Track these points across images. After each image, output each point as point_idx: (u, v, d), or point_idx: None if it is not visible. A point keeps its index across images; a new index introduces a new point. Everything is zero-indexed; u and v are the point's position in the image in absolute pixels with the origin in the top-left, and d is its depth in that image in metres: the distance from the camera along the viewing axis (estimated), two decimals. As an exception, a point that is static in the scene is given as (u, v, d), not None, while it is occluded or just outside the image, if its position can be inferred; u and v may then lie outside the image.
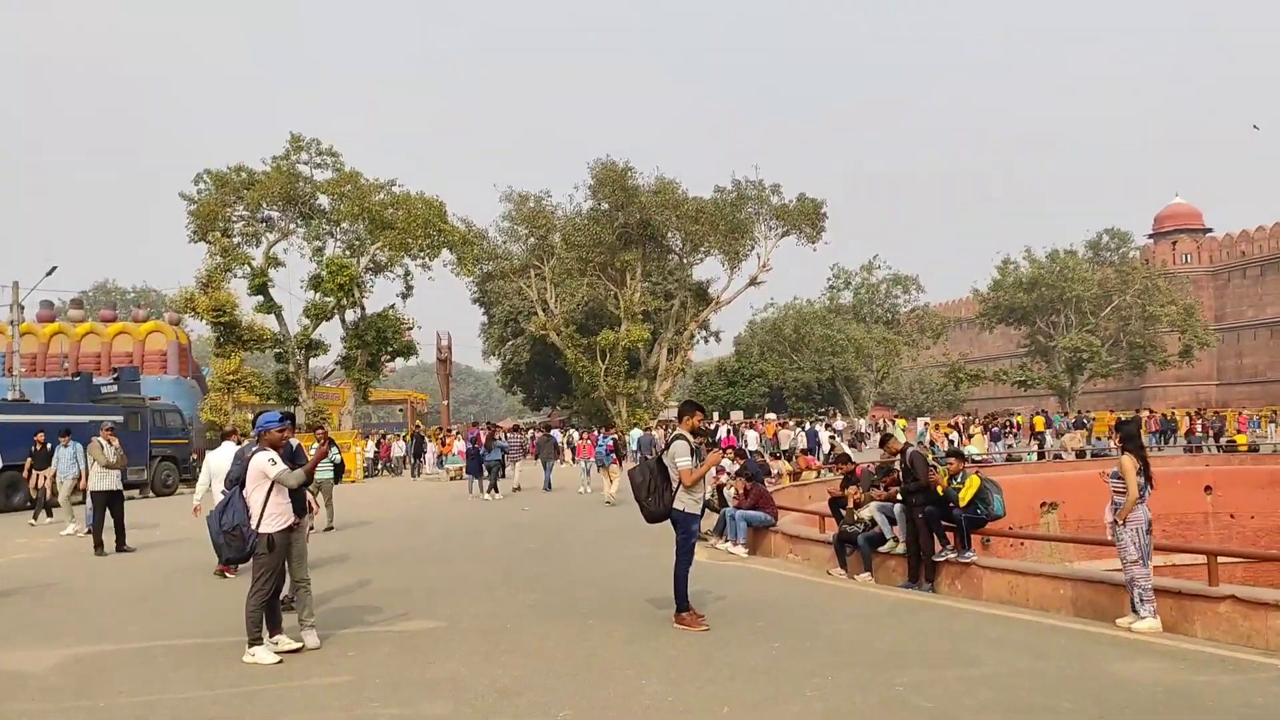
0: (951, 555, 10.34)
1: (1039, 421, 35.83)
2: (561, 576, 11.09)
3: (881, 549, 11.10)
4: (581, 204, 49.39)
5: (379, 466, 36.44)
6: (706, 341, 56.18)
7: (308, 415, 36.28)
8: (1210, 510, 30.67)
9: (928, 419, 43.83)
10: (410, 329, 40.82)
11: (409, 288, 40.14)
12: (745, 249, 46.57)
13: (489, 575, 11.33)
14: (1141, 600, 8.02)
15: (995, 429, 33.11)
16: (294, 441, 8.71)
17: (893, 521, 11.05)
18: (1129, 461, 8.23)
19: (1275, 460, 31.46)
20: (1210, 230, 73.99)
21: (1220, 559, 8.74)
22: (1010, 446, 31.85)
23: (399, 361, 45.70)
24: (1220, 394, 69.62)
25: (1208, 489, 30.60)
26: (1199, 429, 35.23)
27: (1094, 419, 39.27)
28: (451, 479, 30.48)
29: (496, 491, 23.48)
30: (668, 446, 8.29)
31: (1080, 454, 30.55)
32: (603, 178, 46.40)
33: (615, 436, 23.99)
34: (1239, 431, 34.26)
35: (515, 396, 75.59)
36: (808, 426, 34.81)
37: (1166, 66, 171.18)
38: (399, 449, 36.96)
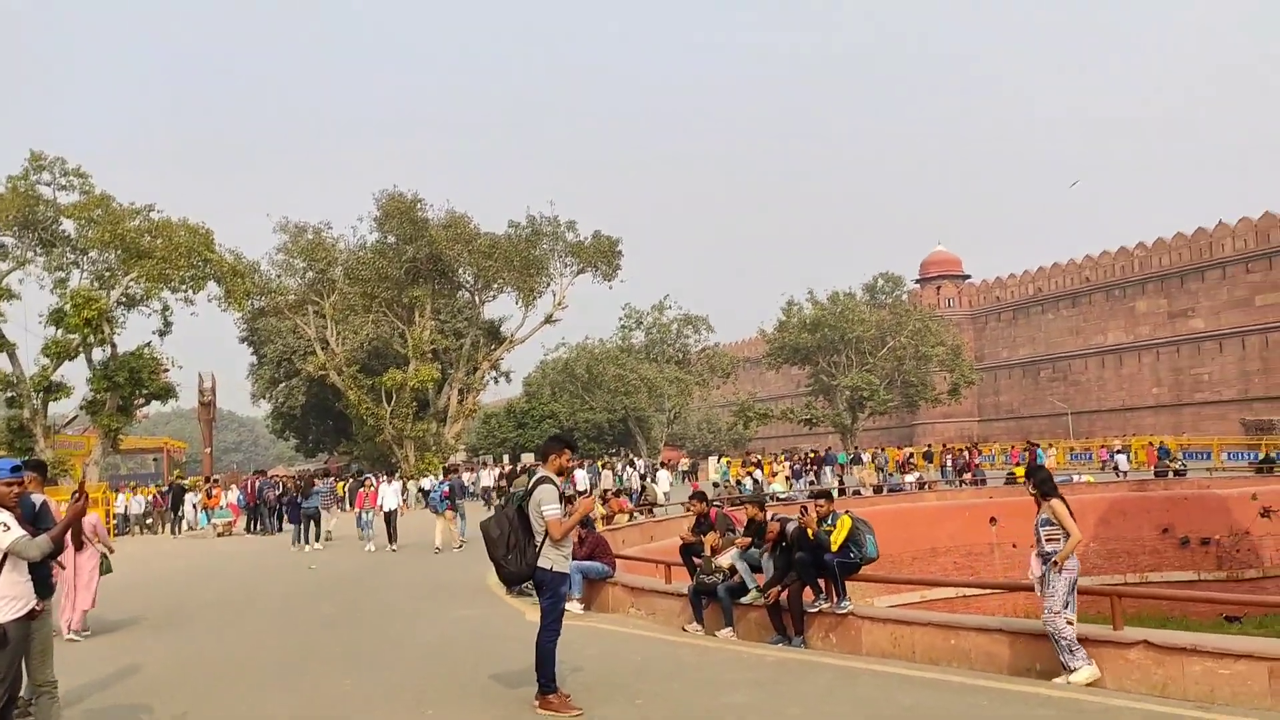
0: (825, 605, 9.28)
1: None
2: (379, 649, 9.21)
3: (743, 600, 9.87)
4: (366, 236, 46.72)
5: (131, 524, 32.18)
6: (497, 382, 54.25)
7: (50, 467, 31.71)
8: (995, 541, 31.70)
9: (728, 457, 43.66)
10: (168, 369, 36.73)
11: (168, 324, 36.12)
12: (540, 286, 45.19)
13: (286, 651, 9.31)
14: (1071, 651, 7.21)
15: (797, 466, 33.22)
16: (37, 498, 6.47)
17: (755, 569, 9.86)
18: (1060, 506, 7.60)
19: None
20: (969, 276, 79.18)
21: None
22: (812, 483, 31.94)
23: (155, 406, 41.11)
24: (981, 429, 74.05)
25: (993, 520, 31.63)
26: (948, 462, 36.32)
27: (884, 454, 40.19)
28: (220, 535, 27.24)
29: (318, 542, 22.20)
30: (530, 492, 6.75)
31: (878, 489, 30.95)
32: (390, 209, 43.91)
33: (450, 483, 21.90)
34: (1016, 464, 35.82)
35: (287, 442, 70.74)
36: (586, 466, 33.79)
37: (934, 123, 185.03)
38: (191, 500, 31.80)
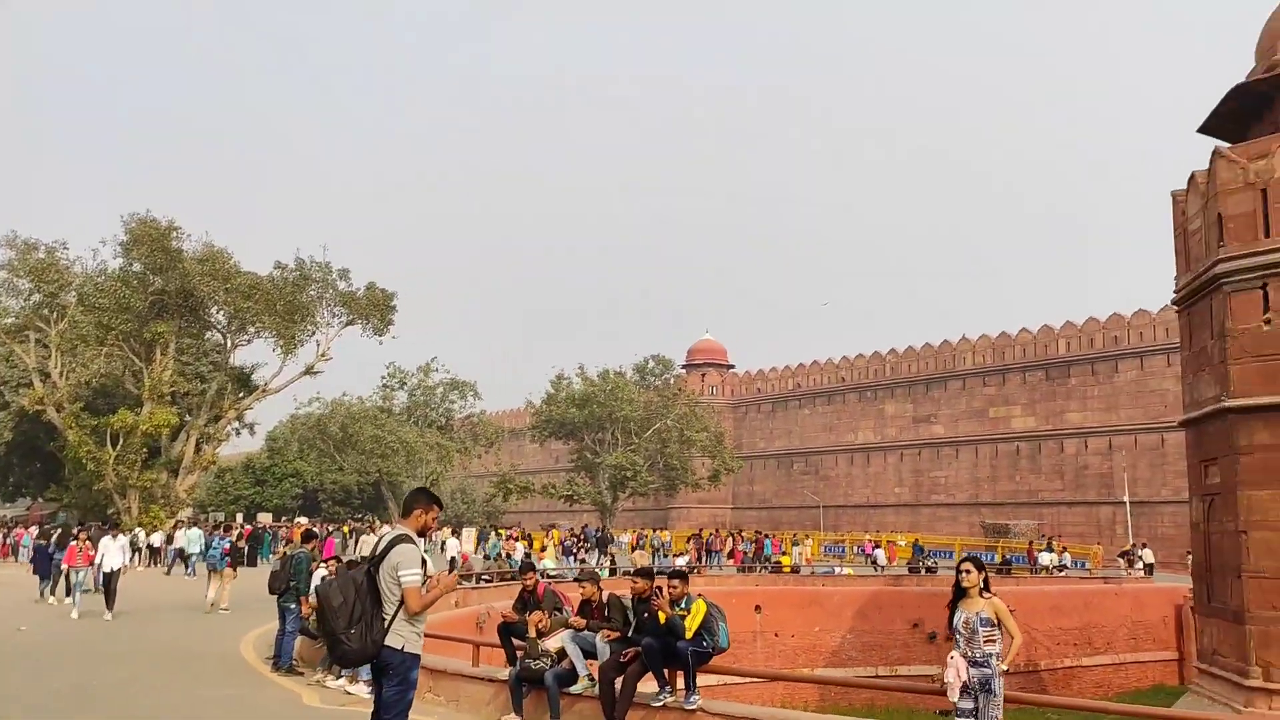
0: (668, 699, 8.16)
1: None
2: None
3: (572, 689, 8.56)
4: (109, 261, 42.14)
5: None
6: (239, 433, 50.02)
7: None
8: (759, 629, 31.67)
9: (503, 529, 41.82)
10: None
11: None
12: (304, 334, 42.08)
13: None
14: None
15: (568, 542, 32.03)
16: None
17: (588, 654, 8.60)
18: (1002, 604, 6.91)
19: (814, 581, 33.41)
20: (733, 366, 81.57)
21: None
22: (582, 561, 30.79)
23: None
24: (734, 517, 75.57)
25: (758, 608, 31.62)
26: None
27: (658, 536, 39.81)
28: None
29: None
30: (385, 553, 5.43)
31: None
32: (139, 235, 39.72)
33: (232, 539, 19.36)
34: (783, 553, 36.24)
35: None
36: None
37: (706, 214, 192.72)
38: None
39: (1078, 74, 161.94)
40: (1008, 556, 36.76)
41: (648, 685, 8.49)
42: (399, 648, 5.36)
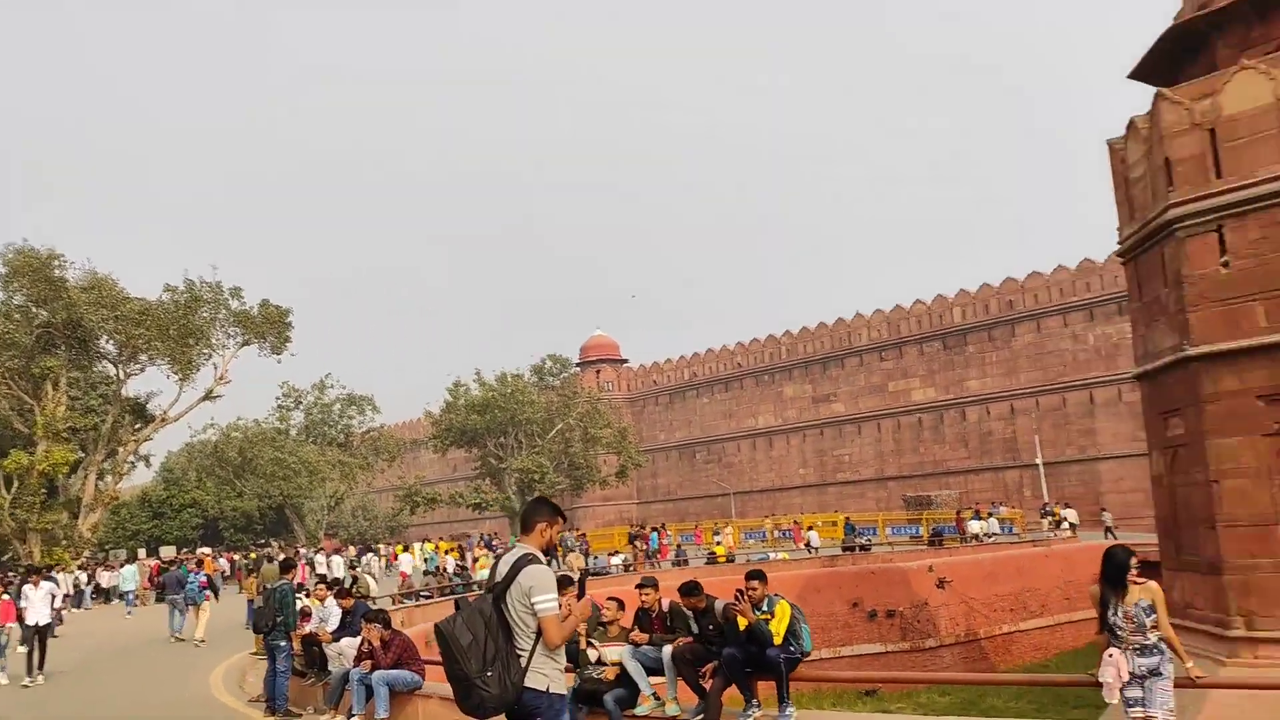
0: (757, 715, 7.05)
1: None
2: None
3: (637, 711, 7.38)
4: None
5: None
6: (135, 466, 46.95)
7: None
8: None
9: (432, 542, 39.74)
10: None
11: None
12: (200, 358, 39.64)
13: None
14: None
15: (500, 551, 30.47)
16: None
17: (650, 670, 7.41)
18: (1158, 588, 6.66)
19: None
20: (627, 361, 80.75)
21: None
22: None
23: None
24: (640, 511, 74.77)
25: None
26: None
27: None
28: None
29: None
30: (511, 577, 4.53)
31: (584, 573, 28.91)
32: (18, 266, 37.31)
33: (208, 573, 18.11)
34: (718, 543, 35.45)
35: None
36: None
37: (596, 210, 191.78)
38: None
39: (971, 39, 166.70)
40: (937, 527, 36.72)
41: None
42: (544, 689, 4.53)
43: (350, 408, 59.75)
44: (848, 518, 39.12)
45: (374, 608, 11.11)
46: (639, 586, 8.52)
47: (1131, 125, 18.61)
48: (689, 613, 7.97)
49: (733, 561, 32.02)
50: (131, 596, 28.84)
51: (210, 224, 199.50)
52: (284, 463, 51.86)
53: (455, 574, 25.44)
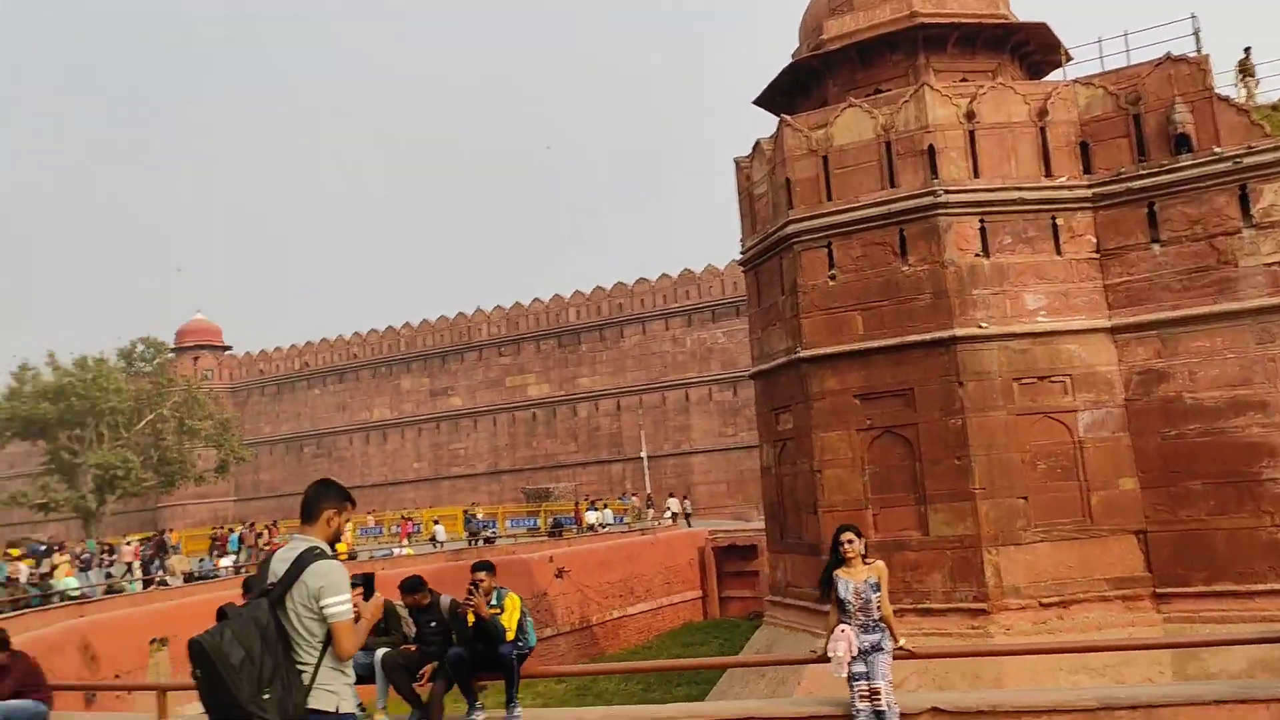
0: (481, 716, 6.79)
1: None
2: None
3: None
4: None
5: None
6: None
7: None
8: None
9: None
10: None
11: None
12: None
13: None
14: None
15: (87, 556, 26.76)
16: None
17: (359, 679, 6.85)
18: (884, 567, 7.10)
19: (376, 565, 31.70)
20: (230, 348, 75.22)
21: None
22: (109, 576, 25.98)
23: None
24: (238, 509, 69.95)
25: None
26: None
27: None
28: None
29: None
30: (291, 577, 3.97)
31: (189, 577, 26.50)
32: None
33: None
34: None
35: None
36: None
37: (200, 190, 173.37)
38: None
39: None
40: (558, 518, 37.80)
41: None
42: (333, 709, 3.95)
43: None
44: (466, 509, 39.09)
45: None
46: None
47: (757, 146, 20.31)
48: (403, 613, 7.52)
49: (355, 558, 30.89)
50: None
51: None
52: None
53: (31, 583, 22.21)
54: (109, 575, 25.95)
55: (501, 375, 62.42)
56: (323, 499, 4.26)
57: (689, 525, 40.24)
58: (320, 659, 3.95)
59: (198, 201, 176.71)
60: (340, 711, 4.00)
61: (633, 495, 43.75)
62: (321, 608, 3.94)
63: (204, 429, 54.07)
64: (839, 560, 6.76)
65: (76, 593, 22.16)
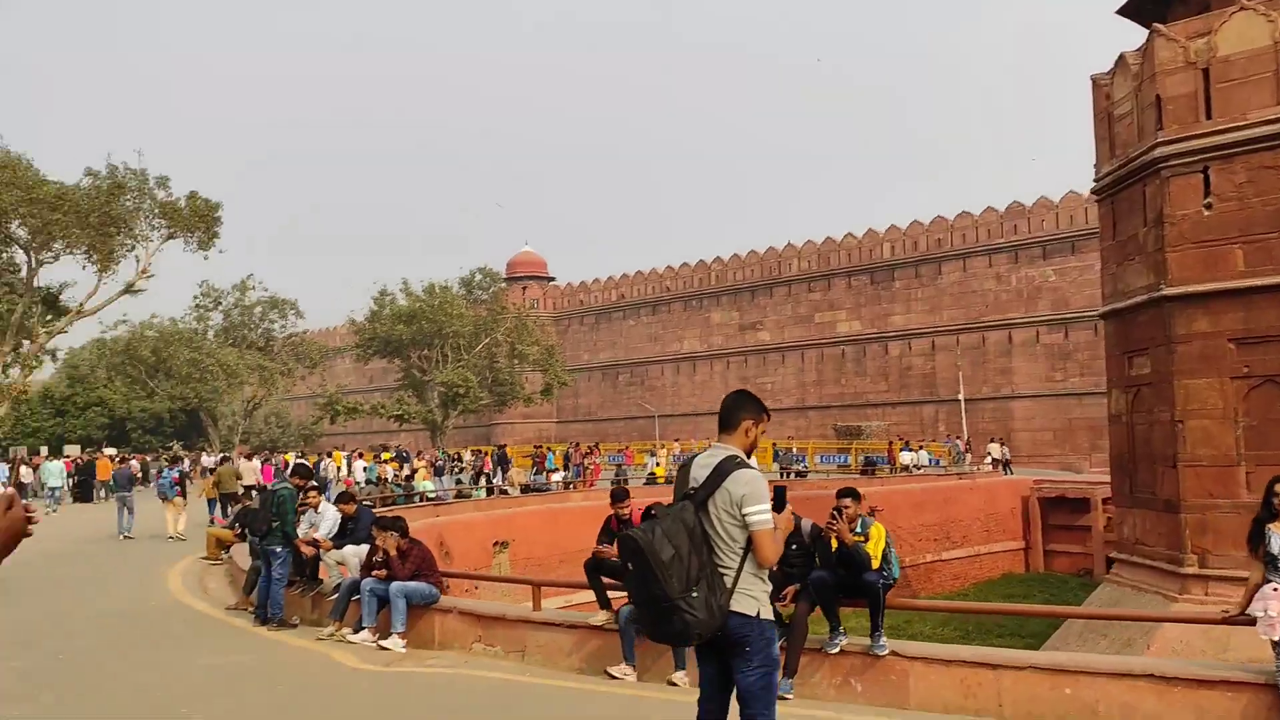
0: (843, 642, 6.77)
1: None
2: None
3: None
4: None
5: None
6: (43, 362, 44.40)
7: None
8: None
9: (369, 452, 38.63)
10: None
11: None
12: (123, 250, 37.20)
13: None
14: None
15: (440, 463, 29.84)
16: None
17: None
18: None
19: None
20: (554, 279, 79.76)
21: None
22: (459, 482, 28.72)
23: None
24: (559, 430, 74.60)
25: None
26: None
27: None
28: None
29: None
30: (713, 483, 3.93)
31: (525, 489, 28.64)
32: (-79, 140, 34.26)
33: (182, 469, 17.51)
34: (657, 464, 35.34)
35: None
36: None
37: (520, 124, 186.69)
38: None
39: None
40: (869, 456, 37.33)
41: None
42: (754, 614, 3.90)
43: (272, 311, 57.52)
44: (775, 443, 39.27)
45: (387, 515, 10.51)
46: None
47: (1121, 60, 18.51)
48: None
49: (671, 483, 32.01)
50: (57, 493, 28.31)
51: (132, 108, 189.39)
52: (200, 364, 49.72)
53: (396, 484, 24.88)
54: (459, 481, 28.56)
55: (810, 311, 61.96)
56: (741, 409, 4.22)
57: (1009, 473, 38.38)
58: (741, 564, 3.96)
59: (534, 139, 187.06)
60: (760, 616, 3.99)
61: (956, 438, 42.10)
62: (744, 515, 3.93)
63: (532, 354, 57.87)
64: (1272, 514, 6.02)
65: (433, 494, 24.54)
